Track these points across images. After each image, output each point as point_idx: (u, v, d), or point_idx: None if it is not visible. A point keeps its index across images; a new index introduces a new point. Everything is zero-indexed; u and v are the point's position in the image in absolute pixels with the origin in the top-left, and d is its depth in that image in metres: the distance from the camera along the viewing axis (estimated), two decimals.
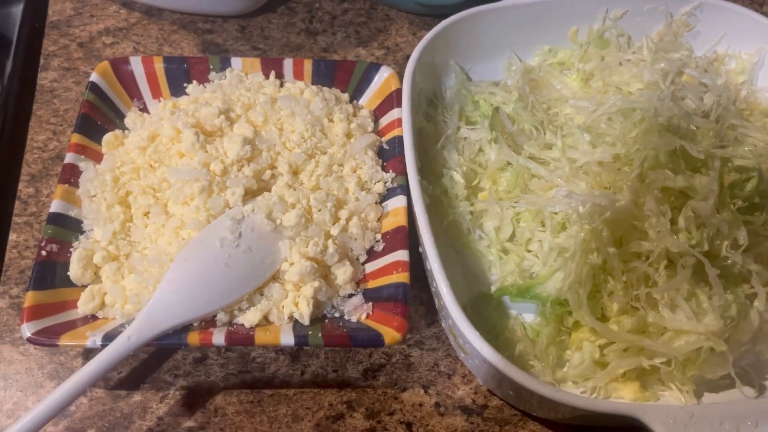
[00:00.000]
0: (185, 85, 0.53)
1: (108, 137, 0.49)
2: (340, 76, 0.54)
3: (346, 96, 0.53)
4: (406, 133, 0.47)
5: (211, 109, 0.48)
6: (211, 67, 0.53)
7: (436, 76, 0.55)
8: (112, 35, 0.60)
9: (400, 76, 0.52)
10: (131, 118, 0.51)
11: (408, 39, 0.61)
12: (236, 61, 0.53)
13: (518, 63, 0.57)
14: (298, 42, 0.61)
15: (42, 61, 0.58)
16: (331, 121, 0.50)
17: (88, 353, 0.44)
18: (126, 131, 0.51)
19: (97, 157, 0.49)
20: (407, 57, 0.59)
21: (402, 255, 0.44)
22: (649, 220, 0.43)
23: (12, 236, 0.49)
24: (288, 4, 0.63)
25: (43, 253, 0.43)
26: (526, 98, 0.53)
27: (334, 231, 0.45)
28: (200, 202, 0.44)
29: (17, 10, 0.63)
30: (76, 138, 0.48)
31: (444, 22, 0.53)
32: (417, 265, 0.44)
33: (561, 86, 0.57)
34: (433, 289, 0.43)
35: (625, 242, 0.44)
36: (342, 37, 0.61)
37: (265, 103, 0.49)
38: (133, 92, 0.52)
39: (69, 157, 0.47)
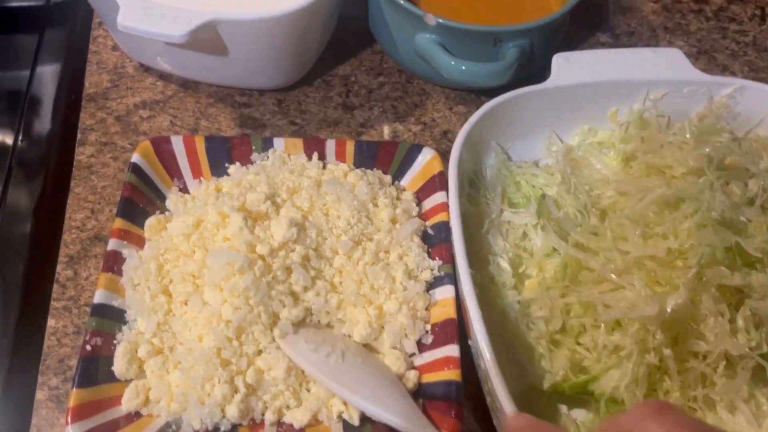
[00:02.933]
0: (226, 165, 0.52)
1: (151, 222, 0.48)
2: (382, 157, 0.53)
3: (388, 178, 0.53)
4: (455, 223, 0.46)
5: (257, 195, 0.47)
6: (254, 147, 0.52)
7: (477, 155, 0.55)
8: (149, 108, 0.59)
9: (439, 151, 0.52)
10: (173, 200, 0.50)
11: (444, 114, 0.61)
12: (278, 142, 0.53)
13: (559, 143, 0.57)
14: (335, 117, 0.60)
15: (79, 135, 0.57)
16: (375, 205, 0.50)
17: None
18: (167, 213, 0.50)
19: (140, 242, 0.48)
20: (444, 132, 0.60)
21: (453, 350, 0.43)
22: (706, 320, 0.42)
23: (50, 322, 0.48)
24: (324, 78, 0.63)
25: (88, 347, 0.42)
26: (568, 181, 0.53)
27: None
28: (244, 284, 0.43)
29: (50, 70, 0.63)
30: (119, 223, 0.47)
31: (489, 104, 0.53)
32: (463, 356, 0.43)
33: (601, 166, 0.57)
34: (486, 388, 0.42)
35: (681, 341, 0.43)
36: (379, 112, 0.61)
37: (310, 188, 0.49)
38: (174, 172, 0.52)
39: (112, 244, 0.46)
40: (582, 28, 0.69)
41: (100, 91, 0.60)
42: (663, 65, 0.56)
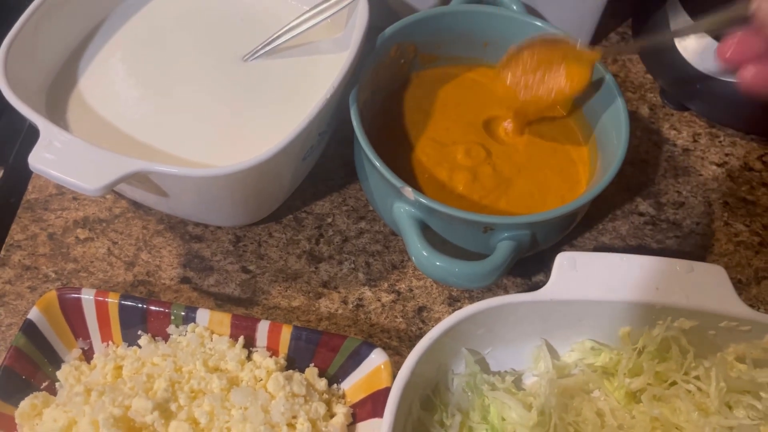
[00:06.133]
0: (139, 333, 0.44)
1: (24, 407, 0.41)
2: (323, 351, 0.44)
3: (322, 384, 0.43)
4: None
5: (144, 403, 0.39)
6: (173, 318, 0.44)
7: (441, 363, 0.44)
8: (89, 228, 0.52)
9: (407, 335, 0.44)
10: (65, 371, 0.43)
11: (425, 284, 0.51)
12: (203, 315, 0.44)
13: (548, 360, 0.46)
14: (297, 269, 0.51)
15: (2, 253, 0.51)
16: (293, 428, 0.40)
17: None
18: (58, 384, 0.43)
19: (11, 427, 0.41)
20: (419, 310, 0.50)
21: None
22: None
23: None
24: (297, 214, 0.54)
25: None
26: (547, 422, 0.42)
27: None
28: None
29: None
30: None
31: (462, 313, 0.42)
32: None
33: (599, 394, 0.45)
34: None
35: None
36: (348, 269, 0.51)
37: (215, 398, 0.40)
38: (80, 331, 0.44)
39: None
40: (621, 189, 0.57)
41: (41, 199, 0.53)
42: (698, 289, 0.44)
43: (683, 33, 0.44)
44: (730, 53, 0.35)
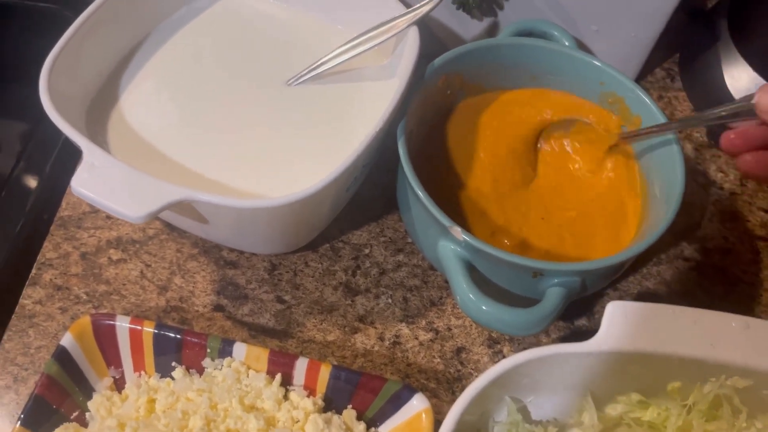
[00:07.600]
0: (173, 364, 0.43)
1: None
2: (362, 393, 0.42)
3: (362, 427, 0.42)
4: None
5: None
6: (209, 350, 0.43)
7: (483, 411, 0.43)
8: (122, 249, 0.51)
9: (445, 377, 0.43)
10: (96, 402, 0.41)
11: (464, 324, 0.50)
12: (239, 349, 0.43)
13: (593, 412, 0.44)
14: (332, 301, 0.50)
15: (34, 271, 0.49)
16: None
17: None
18: (88, 414, 0.42)
19: None
20: (458, 351, 0.48)
21: None
22: None
23: None
24: (334, 243, 0.53)
25: None
26: None
27: None
28: None
29: (33, 172, 0.55)
30: None
31: (507, 363, 0.41)
32: None
33: None
34: None
35: None
36: (385, 304, 0.50)
37: None
38: (112, 359, 0.43)
39: None
40: (665, 232, 0.55)
41: (75, 216, 0.52)
42: (753, 347, 0.42)
43: (686, 125, 0.48)
44: (732, 141, 0.39)
